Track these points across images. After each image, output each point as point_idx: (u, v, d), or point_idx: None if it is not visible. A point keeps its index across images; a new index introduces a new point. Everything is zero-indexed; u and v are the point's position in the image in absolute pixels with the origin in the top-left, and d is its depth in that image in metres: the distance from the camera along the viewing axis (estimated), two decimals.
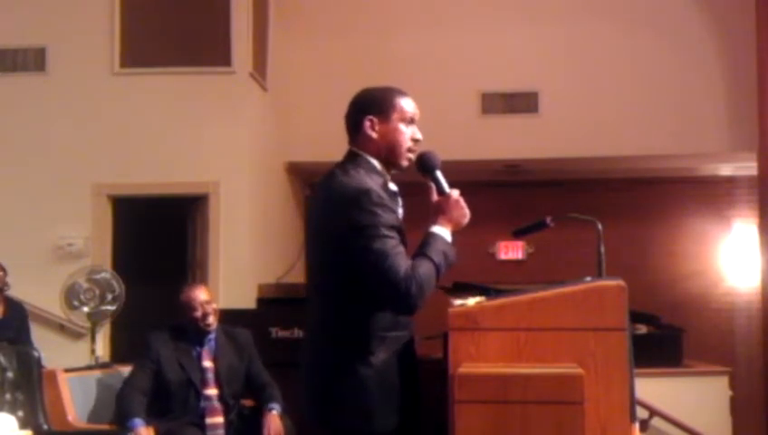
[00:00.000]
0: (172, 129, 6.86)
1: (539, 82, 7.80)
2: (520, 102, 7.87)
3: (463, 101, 7.83)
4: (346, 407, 2.43)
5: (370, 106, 2.54)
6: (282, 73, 7.75)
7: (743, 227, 8.62)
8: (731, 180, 8.72)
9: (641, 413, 5.32)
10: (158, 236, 7.11)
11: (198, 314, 4.57)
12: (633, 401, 2.53)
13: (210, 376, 4.53)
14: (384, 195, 2.43)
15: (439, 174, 2.55)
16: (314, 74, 7.87)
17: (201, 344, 4.59)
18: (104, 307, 5.42)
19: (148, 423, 4.31)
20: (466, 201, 2.54)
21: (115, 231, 6.89)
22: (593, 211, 3.95)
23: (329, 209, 2.47)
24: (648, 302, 6.50)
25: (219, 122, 6.86)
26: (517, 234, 4.29)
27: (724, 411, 5.81)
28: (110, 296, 5.41)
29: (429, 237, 2.46)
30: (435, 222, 2.49)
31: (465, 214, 2.51)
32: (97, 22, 6.96)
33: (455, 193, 2.52)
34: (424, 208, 2.54)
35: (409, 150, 2.56)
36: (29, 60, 7.02)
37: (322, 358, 2.48)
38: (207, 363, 4.55)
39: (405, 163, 2.56)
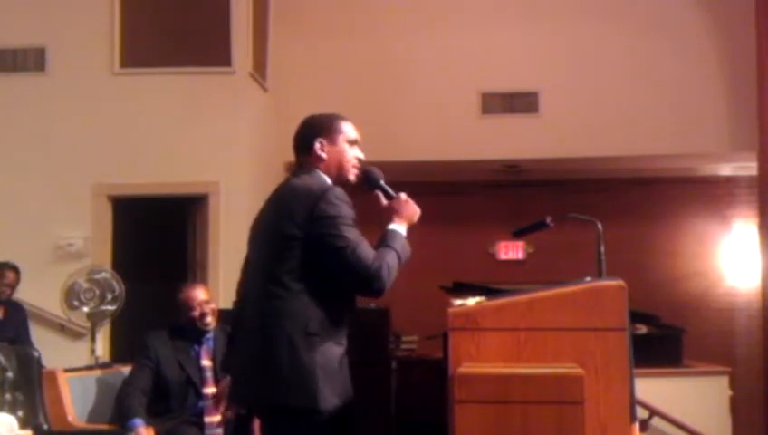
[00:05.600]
0: (172, 129, 6.86)
1: (539, 82, 7.80)
2: (520, 102, 7.87)
3: (463, 101, 7.82)
4: (294, 386, 2.57)
5: (320, 130, 2.84)
6: (282, 73, 7.75)
7: (743, 227, 8.61)
8: (731, 180, 8.72)
9: (641, 413, 5.32)
10: (158, 236, 7.11)
11: (196, 313, 4.55)
12: (633, 401, 2.53)
13: (209, 375, 4.52)
14: (345, 194, 2.65)
15: (384, 184, 2.82)
16: (314, 74, 7.86)
17: (200, 343, 4.58)
18: (104, 307, 5.43)
19: (148, 423, 4.31)
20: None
21: (115, 231, 6.89)
22: (593, 211, 3.95)
23: (293, 204, 2.66)
24: (648, 302, 6.49)
25: (219, 122, 6.86)
26: (517, 234, 4.30)
27: (724, 411, 5.80)
28: (110, 296, 5.42)
29: (388, 233, 2.69)
30: (390, 221, 2.72)
31: (416, 211, 2.76)
32: (97, 22, 6.96)
33: (402, 195, 2.77)
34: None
35: (354, 167, 2.83)
36: (29, 60, 7.02)
37: (273, 345, 2.60)
38: (206, 362, 4.55)
39: (352, 178, 2.83)
